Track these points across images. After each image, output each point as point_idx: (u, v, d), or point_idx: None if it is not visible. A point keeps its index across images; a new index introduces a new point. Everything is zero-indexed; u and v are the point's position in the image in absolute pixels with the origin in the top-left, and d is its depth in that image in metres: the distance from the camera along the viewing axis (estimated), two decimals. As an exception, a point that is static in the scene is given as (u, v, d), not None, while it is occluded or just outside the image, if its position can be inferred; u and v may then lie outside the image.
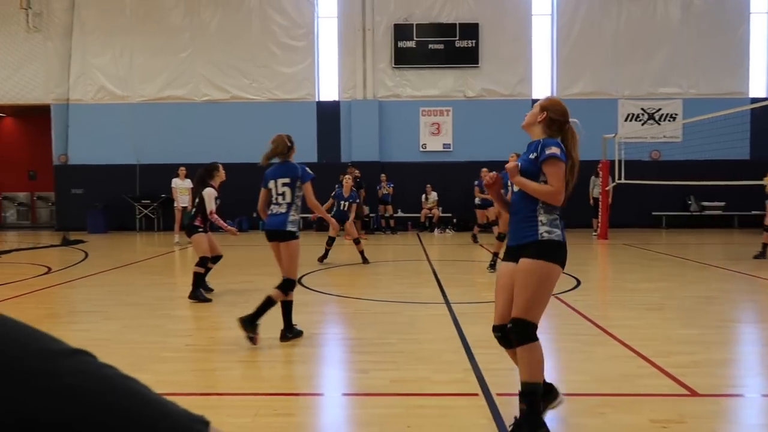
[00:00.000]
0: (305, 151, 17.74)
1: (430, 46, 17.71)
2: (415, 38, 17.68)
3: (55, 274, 8.94)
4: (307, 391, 3.88)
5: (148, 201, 17.37)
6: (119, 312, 6.26)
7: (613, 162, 14.56)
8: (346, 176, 11.24)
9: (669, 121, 17.71)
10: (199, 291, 6.88)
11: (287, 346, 4.96)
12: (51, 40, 17.77)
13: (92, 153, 17.80)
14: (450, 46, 17.68)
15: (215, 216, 7.02)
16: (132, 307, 6.54)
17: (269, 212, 5.11)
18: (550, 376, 4.29)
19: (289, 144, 5.15)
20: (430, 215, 17.23)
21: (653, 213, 17.53)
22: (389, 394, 3.76)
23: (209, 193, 7.01)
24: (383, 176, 16.75)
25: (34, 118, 19.64)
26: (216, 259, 7.26)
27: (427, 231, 16.93)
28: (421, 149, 17.95)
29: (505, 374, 4.12)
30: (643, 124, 17.84)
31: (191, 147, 17.54)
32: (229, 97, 17.95)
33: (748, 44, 17.73)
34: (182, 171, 13.75)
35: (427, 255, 11.49)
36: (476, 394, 3.72)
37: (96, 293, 7.35)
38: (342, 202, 10.73)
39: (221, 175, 7.15)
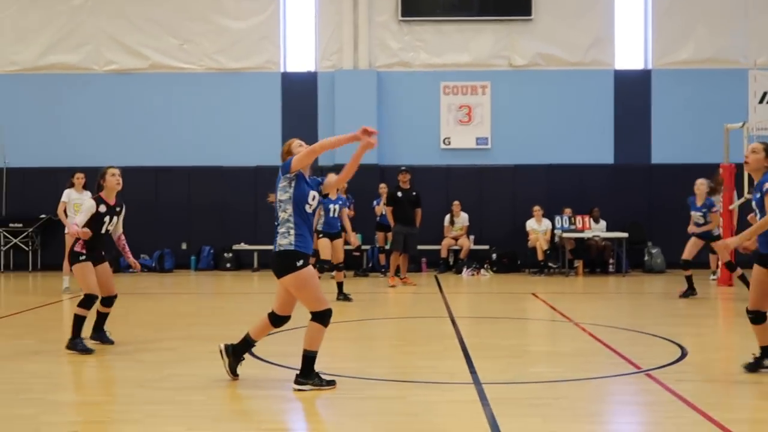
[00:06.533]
0: (265, 148, 17.81)
1: (458, -12, 17.96)
2: (433, -23, 17.92)
3: None
4: None
5: (20, 225, 17.38)
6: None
7: (741, 166, 14.52)
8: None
9: (827, 103, 17.77)
10: (79, 339, 7.85)
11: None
12: None
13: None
14: (488, -12, 17.91)
15: (75, 229, 7.82)
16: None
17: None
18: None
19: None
20: (456, 248, 17.19)
21: (805, 245, 17.51)
22: None
23: (88, 207, 7.93)
24: (383, 187, 16.72)
25: None
26: (108, 300, 8.25)
27: (452, 271, 16.94)
28: (444, 146, 18.04)
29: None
30: (787, 108, 17.89)
31: (91, 142, 17.60)
32: (147, 65, 18.12)
33: None
34: (79, 178, 13.29)
35: (449, 309, 11.48)
36: None
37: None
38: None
39: (110, 184, 8.10)
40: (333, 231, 12.50)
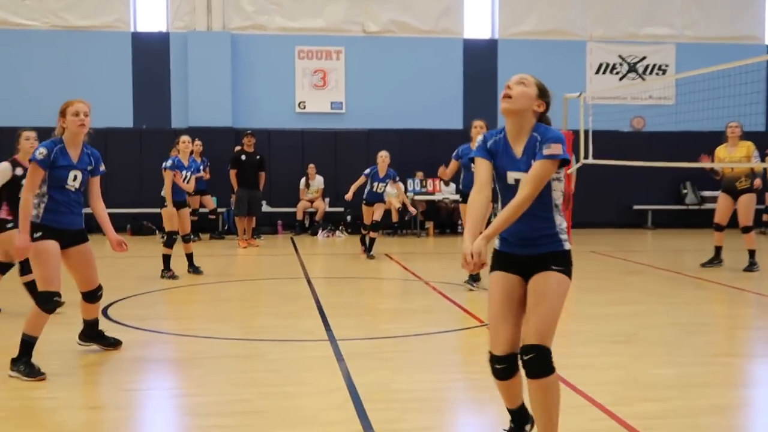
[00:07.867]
0: (116, 112, 17.39)
1: (312, -48, 18.01)
2: (288, -61, 17.89)
3: None
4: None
5: None
6: None
7: (577, 133, 15.36)
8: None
9: (657, 74, 19.01)
10: None
11: (82, 407, 5.01)
12: None
13: None
14: (342, -47, 18.05)
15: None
16: None
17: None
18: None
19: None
20: (312, 210, 17.50)
21: (635, 207, 18.77)
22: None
23: (3, 170, 8.00)
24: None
25: None
26: (5, 267, 8.00)
27: (308, 233, 17.27)
28: (299, 109, 18.16)
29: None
30: (621, 78, 19.01)
31: None
32: (-13, 21, 17.31)
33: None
34: None
35: (305, 270, 11.74)
36: (368, 466, 4.01)
37: None
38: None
39: (24, 147, 8.19)
40: (179, 199, 10.87)
